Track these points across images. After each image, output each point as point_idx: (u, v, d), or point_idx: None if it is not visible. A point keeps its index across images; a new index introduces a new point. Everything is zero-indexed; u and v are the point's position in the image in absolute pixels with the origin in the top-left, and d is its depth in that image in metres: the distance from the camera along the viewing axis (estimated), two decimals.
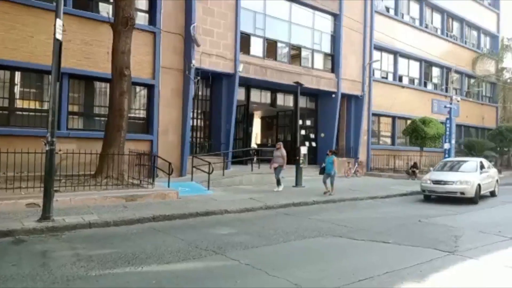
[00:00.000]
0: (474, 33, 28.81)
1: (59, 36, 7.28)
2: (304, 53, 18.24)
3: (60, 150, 9.03)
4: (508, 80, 28.97)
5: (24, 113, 11.60)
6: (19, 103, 11.59)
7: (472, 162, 13.23)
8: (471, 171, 12.38)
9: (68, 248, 5.84)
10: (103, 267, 4.96)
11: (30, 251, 5.62)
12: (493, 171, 13.89)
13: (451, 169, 13.11)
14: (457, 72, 24.15)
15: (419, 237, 7.25)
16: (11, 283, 4.34)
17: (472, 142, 25.27)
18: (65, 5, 9.80)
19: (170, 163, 11.44)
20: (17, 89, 11.65)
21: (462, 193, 11.52)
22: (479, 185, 11.83)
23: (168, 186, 10.87)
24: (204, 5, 14.36)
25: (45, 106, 11.53)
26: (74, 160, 9.79)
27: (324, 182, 12.15)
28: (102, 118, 12.49)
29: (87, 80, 12.62)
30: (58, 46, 7.31)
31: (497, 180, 13.98)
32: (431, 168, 13.50)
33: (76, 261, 5.19)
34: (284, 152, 12.78)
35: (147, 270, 4.93)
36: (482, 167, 12.86)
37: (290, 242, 6.59)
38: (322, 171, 12.51)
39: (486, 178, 12.73)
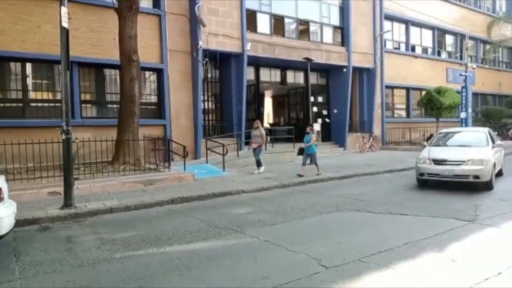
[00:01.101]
0: None
1: (65, 24, 7.27)
2: (312, 27, 17.85)
3: (76, 139, 9.15)
4: None
5: (38, 104, 11.76)
6: (32, 95, 11.74)
7: (480, 133, 10.23)
8: (481, 146, 9.44)
9: (91, 233, 5.99)
10: (126, 249, 5.09)
11: (56, 237, 5.79)
12: (500, 142, 10.83)
13: (455, 143, 10.10)
14: (471, 38, 23.33)
15: (437, 208, 7.20)
16: (41, 268, 4.49)
17: (490, 110, 24.68)
18: None
19: (184, 147, 11.52)
20: (29, 80, 11.77)
21: (476, 176, 8.55)
22: (494, 164, 9.00)
23: (184, 169, 10.98)
24: None
25: (58, 96, 11.65)
26: (91, 148, 9.95)
27: (304, 164, 11.02)
28: (115, 105, 12.58)
29: (97, 68, 12.66)
30: (65, 34, 7.31)
31: (504, 155, 11.26)
32: (425, 143, 10.04)
33: (100, 244, 5.33)
34: (263, 131, 11.88)
35: (169, 250, 5.04)
36: (492, 139, 10.04)
37: (307, 218, 6.62)
38: (301, 151, 11.40)
39: (497, 154, 9.86)
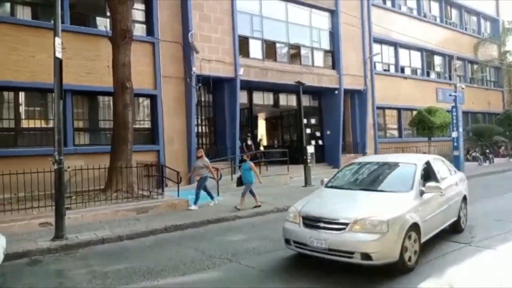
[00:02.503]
0: (474, 18, 28.53)
1: (59, 54, 7.32)
2: (303, 51, 18.18)
3: (68, 167, 9.07)
4: None
5: (31, 132, 11.69)
6: (24, 123, 11.69)
7: (409, 166, 6.18)
8: (399, 191, 5.61)
9: (83, 265, 5.85)
10: (118, 283, 4.97)
11: (46, 272, 5.65)
12: (455, 179, 7.15)
13: (362, 184, 6.31)
14: (459, 59, 23.91)
15: None
16: None
17: (480, 129, 25.01)
18: (62, 22, 9.84)
19: (178, 172, 11.46)
20: (22, 109, 11.75)
21: (366, 255, 4.75)
22: (413, 226, 5.10)
23: (178, 196, 10.88)
24: (200, 12, 14.37)
25: (51, 124, 11.60)
26: (83, 176, 9.84)
27: (243, 195, 9.90)
28: (108, 132, 12.55)
29: (90, 95, 12.70)
30: (58, 64, 7.35)
31: (464, 197, 7.23)
32: (325, 179, 6.85)
33: (91, 278, 5.20)
34: (207, 160, 10.56)
35: (163, 284, 4.92)
36: (427, 176, 6.18)
37: None
38: (240, 182, 10.22)
39: (435, 205, 5.92)
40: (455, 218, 6.77)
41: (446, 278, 4.77)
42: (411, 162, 6.30)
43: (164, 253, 6.33)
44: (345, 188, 6.16)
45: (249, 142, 16.78)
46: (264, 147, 21.85)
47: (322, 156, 19.34)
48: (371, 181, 6.30)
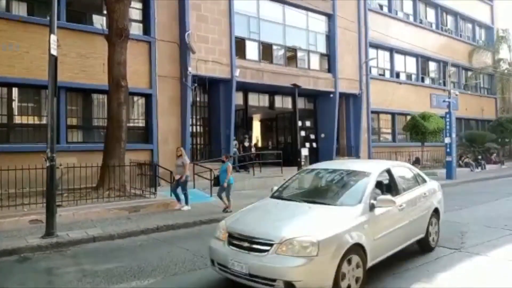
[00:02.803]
0: (469, 25, 28.83)
1: (54, 51, 7.27)
2: (300, 54, 18.24)
3: (60, 165, 9.01)
4: (506, 71, 28.96)
5: (23, 128, 11.59)
6: (17, 119, 11.59)
7: (362, 175, 5.39)
8: (346, 204, 4.88)
9: (73, 264, 5.81)
10: (109, 282, 4.94)
11: (36, 269, 5.59)
12: (423, 190, 6.16)
13: (309, 194, 5.65)
14: (454, 65, 24.15)
15: None
16: None
17: (473, 135, 25.26)
18: (58, 19, 9.79)
19: (171, 172, 11.42)
20: (15, 105, 11.66)
21: (288, 284, 3.96)
22: (354, 248, 4.32)
23: (171, 195, 10.81)
24: (197, 12, 14.37)
25: (44, 121, 11.52)
26: (75, 173, 9.75)
27: (219, 197, 9.62)
28: (101, 130, 12.48)
29: (85, 93, 12.63)
30: (53, 61, 7.30)
31: (436, 211, 6.33)
32: (274, 187, 5.98)
33: (82, 277, 5.16)
34: (186, 159, 10.15)
35: (153, 284, 4.90)
36: (388, 187, 5.63)
37: None
38: (216, 181, 9.94)
39: (392, 221, 5.12)
40: (421, 235, 5.86)
41: (435, 283, 4.80)
42: (366, 171, 5.42)
43: (156, 253, 6.30)
44: (289, 199, 5.36)
45: (246, 143, 16.77)
46: (259, 148, 21.86)
47: (316, 159, 19.33)
48: (319, 191, 5.73)
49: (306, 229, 4.22)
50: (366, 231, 4.53)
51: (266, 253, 4.08)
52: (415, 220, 5.64)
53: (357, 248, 4.34)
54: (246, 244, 4.27)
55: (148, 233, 7.65)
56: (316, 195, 5.57)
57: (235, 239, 4.41)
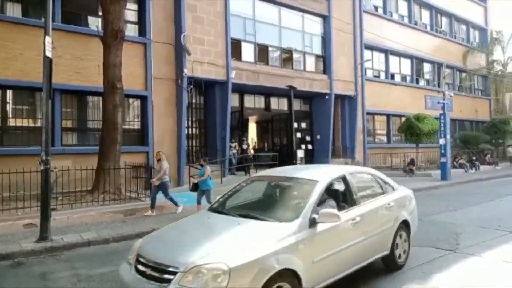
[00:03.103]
0: (463, 27, 29.04)
1: (49, 53, 7.23)
2: (295, 56, 18.29)
3: (55, 168, 8.95)
4: (499, 73, 29.20)
5: (18, 131, 11.51)
6: (11, 122, 11.51)
7: (307, 184, 4.68)
8: (282, 220, 4.10)
9: (67, 268, 5.77)
10: (103, 287, 4.90)
11: (30, 274, 5.55)
12: (388, 199, 5.39)
13: (248, 207, 4.95)
14: (448, 67, 24.31)
15: (420, 236, 7.23)
16: None
17: (467, 136, 25.42)
18: (53, 20, 9.70)
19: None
20: (9, 107, 11.58)
21: None
22: (283, 274, 3.58)
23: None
24: (193, 14, 14.36)
25: (38, 123, 11.45)
26: (70, 176, 9.72)
27: (198, 202, 9.21)
28: (97, 132, 12.42)
29: (80, 95, 12.57)
30: (48, 63, 7.25)
31: (405, 223, 5.52)
32: (218, 197, 5.39)
33: (76, 282, 5.13)
34: (164, 164, 9.56)
35: None
36: (344, 196, 4.91)
37: None
38: (195, 187, 9.37)
39: (342, 238, 4.39)
40: (385, 252, 5.05)
41: (430, 284, 4.82)
42: (313, 179, 4.63)
43: None
44: (225, 212, 4.62)
45: (245, 146, 16.75)
46: (255, 150, 21.88)
47: (311, 160, 19.40)
48: (259, 204, 4.96)
49: (222, 252, 3.46)
50: (302, 252, 3.78)
51: (167, 284, 3.30)
52: (375, 236, 4.85)
53: (288, 274, 3.58)
54: (149, 272, 3.53)
55: (144, 236, 7.60)
56: (254, 208, 4.74)
57: (141, 264, 3.69)
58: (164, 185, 9.52)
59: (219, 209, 4.82)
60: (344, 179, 4.93)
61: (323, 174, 4.95)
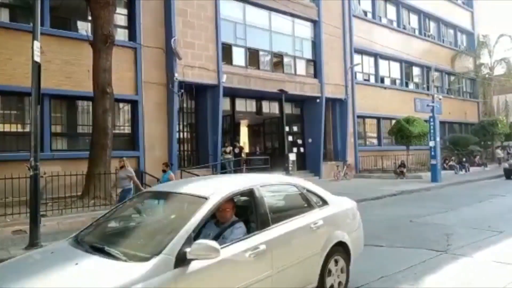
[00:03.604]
0: (451, 31, 29.52)
1: (37, 58, 7.16)
2: (286, 60, 18.38)
3: (45, 173, 8.84)
4: (487, 76, 29.70)
5: (6, 136, 11.35)
6: (0, 127, 11.35)
7: (192, 204, 3.49)
8: (139, 257, 2.91)
9: None
10: None
11: None
12: (315, 217, 4.19)
13: (106, 239, 3.55)
14: (437, 70, 24.64)
15: (411, 238, 7.30)
16: None
17: (457, 138, 25.78)
18: (42, 25, 9.67)
19: (158, 179, 11.30)
20: None
21: None
22: None
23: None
24: (184, 19, 14.36)
25: (27, 128, 11.29)
26: (60, 182, 9.61)
27: None
28: (87, 137, 12.31)
29: (69, 100, 12.47)
30: (37, 68, 7.18)
31: (341, 245, 4.39)
32: (95, 221, 4.06)
33: None
34: (130, 170, 9.24)
35: None
36: (252, 223, 3.75)
37: None
38: None
39: (239, 276, 3.26)
40: (311, 286, 3.96)
41: (421, 285, 4.85)
42: (201, 195, 3.49)
43: None
44: (81, 243, 3.43)
45: (237, 150, 16.65)
46: (246, 154, 21.84)
47: (303, 163, 19.47)
48: (123, 232, 3.74)
49: None
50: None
51: None
52: (293, 266, 3.73)
53: None
54: None
55: None
56: (115, 237, 3.57)
57: None
58: (127, 191, 8.81)
59: (81, 237, 3.58)
60: (251, 193, 3.78)
61: (219, 188, 3.70)
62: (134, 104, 13.47)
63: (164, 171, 8.82)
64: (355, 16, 21.25)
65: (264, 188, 3.93)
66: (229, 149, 15.95)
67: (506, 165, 19.64)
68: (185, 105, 15.58)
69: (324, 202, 4.51)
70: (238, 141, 18.61)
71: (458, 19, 29.31)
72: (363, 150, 21.48)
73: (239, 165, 16.19)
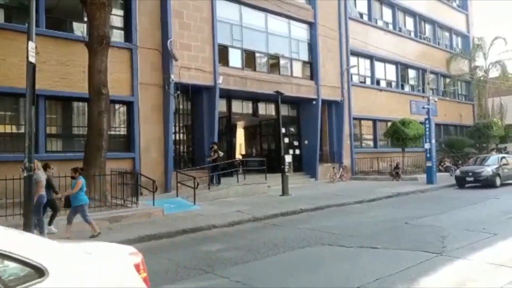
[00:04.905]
0: (446, 34, 29.69)
1: (32, 59, 7.11)
2: (282, 62, 18.41)
3: None
4: (482, 78, 29.87)
5: (1, 137, 11.27)
6: None
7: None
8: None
9: None
10: None
11: None
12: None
13: None
14: (432, 72, 24.76)
15: (407, 240, 7.31)
16: None
17: (452, 140, 25.87)
18: (38, 26, 9.62)
19: (154, 181, 11.27)
20: None
21: None
22: None
23: (153, 204, 10.69)
24: (180, 20, 14.34)
25: (22, 129, 11.19)
26: (55, 183, 9.52)
27: (69, 221, 7.74)
28: (82, 139, 12.25)
29: (65, 101, 12.41)
30: (31, 69, 7.13)
31: None
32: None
33: None
34: (38, 175, 7.40)
35: None
36: None
37: (279, 255, 6.53)
38: (68, 203, 7.98)
39: None
40: None
41: (416, 287, 4.85)
42: None
43: None
44: None
45: (212, 154, 14.27)
46: (243, 155, 21.85)
47: (300, 165, 19.49)
48: None
49: None
50: None
51: None
52: None
53: None
54: None
55: (130, 244, 7.47)
56: None
57: None
58: (39, 198, 7.44)
59: None
60: None
61: None
62: (130, 105, 13.42)
63: (73, 177, 7.88)
64: (351, 19, 21.32)
65: None
66: (221, 154, 14.81)
67: (458, 172, 17.25)
68: (181, 106, 15.54)
69: (38, 273, 2.29)
70: (234, 143, 18.50)
71: (453, 21, 29.49)
72: (359, 152, 21.53)
73: (234, 167, 16.15)
